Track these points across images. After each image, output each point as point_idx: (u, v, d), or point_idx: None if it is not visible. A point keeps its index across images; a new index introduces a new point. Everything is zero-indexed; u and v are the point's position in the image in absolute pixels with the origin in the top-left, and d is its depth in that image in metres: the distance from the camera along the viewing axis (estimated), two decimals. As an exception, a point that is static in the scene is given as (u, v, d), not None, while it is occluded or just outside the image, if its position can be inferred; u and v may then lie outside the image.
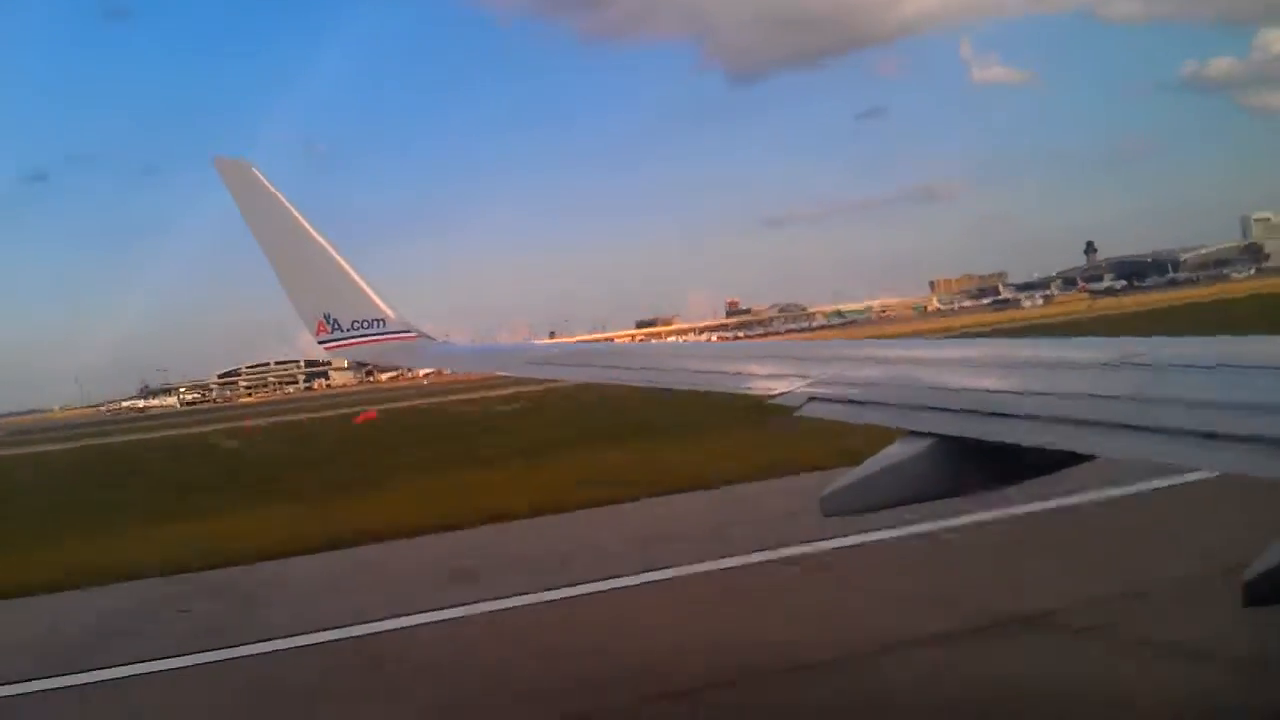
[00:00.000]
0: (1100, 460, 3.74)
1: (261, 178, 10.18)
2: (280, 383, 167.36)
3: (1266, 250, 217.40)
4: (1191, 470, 3.55)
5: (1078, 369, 4.70)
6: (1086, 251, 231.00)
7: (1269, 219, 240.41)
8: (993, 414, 4.18)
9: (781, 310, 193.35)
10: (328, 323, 10.49)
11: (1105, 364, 4.46)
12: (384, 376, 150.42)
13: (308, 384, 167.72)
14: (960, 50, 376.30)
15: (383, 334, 10.63)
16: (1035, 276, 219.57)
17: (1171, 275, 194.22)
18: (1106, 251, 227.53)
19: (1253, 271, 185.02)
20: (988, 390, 4.55)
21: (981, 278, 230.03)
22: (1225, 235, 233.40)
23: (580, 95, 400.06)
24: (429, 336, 10.80)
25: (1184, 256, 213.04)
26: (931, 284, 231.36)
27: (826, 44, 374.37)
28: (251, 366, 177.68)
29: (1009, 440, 3.94)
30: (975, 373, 5.16)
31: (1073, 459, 3.94)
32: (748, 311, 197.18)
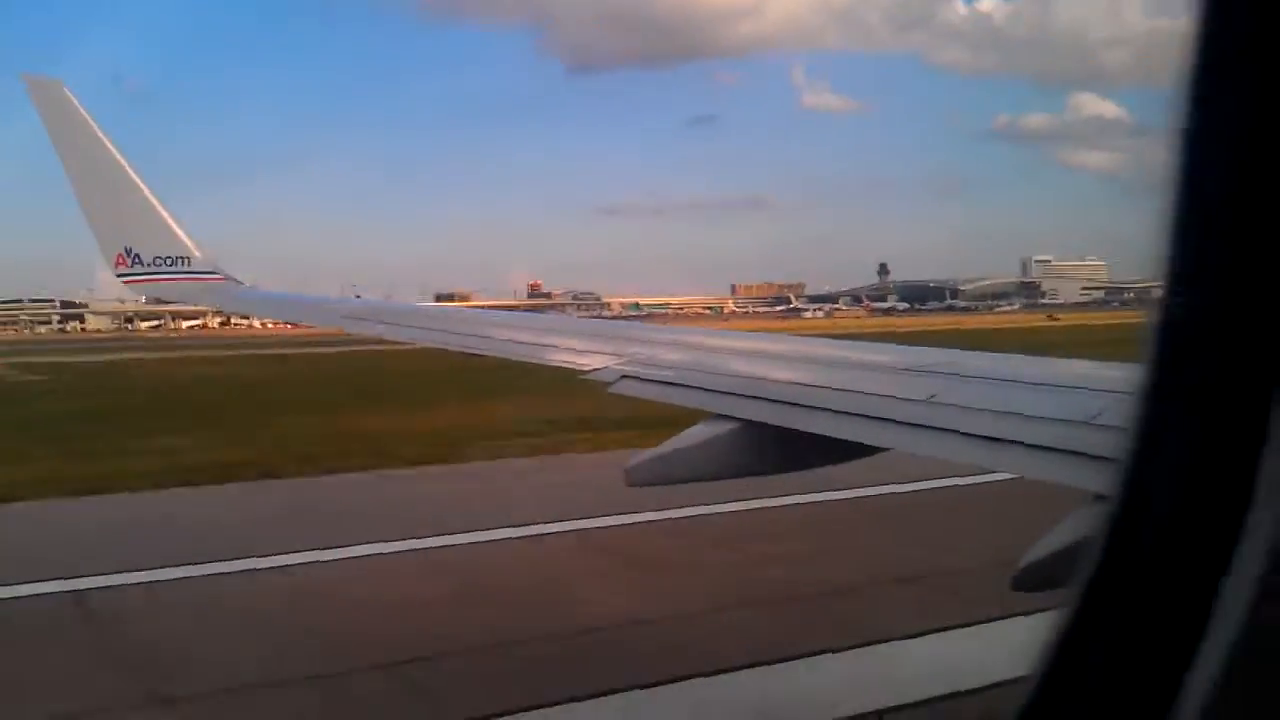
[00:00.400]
0: (896, 454, 3.99)
1: (74, 100, 9.64)
2: (33, 322, 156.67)
3: (1043, 288, 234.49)
4: (984, 470, 3.80)
5: (880, 371, 4.99)
6: (879, 273, 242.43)
7: (1049, 261, 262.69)
8: (797, 404, 4.39)
9: (576, 297, 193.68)
10: (128, 256, 10.00)
11: (906, 368, 4.74)
12: (144, 325, 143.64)
13: (60, 325, 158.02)
14: (793, 74, 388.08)
15: (187, 273, 10.20)
16: (826, 290, 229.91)
17: (950, 301, 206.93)
18: (905, 275, 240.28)
19: (1017, 306, 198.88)
20: (794, 382, 4.76)
21: (781, 286, 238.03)
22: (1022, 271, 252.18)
23: (417, 67, 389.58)
24: (237, 280, 10.43)
25: (964, 286, 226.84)
26: (733, 287, 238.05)
27: (663, 49, 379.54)
28: (3, 303, 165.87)
29: (813, 430, 4.15)
30: (782, 365, 5.41)
31: (867, 450, 4.21)
32: (547, 295, 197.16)
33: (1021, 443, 3.48)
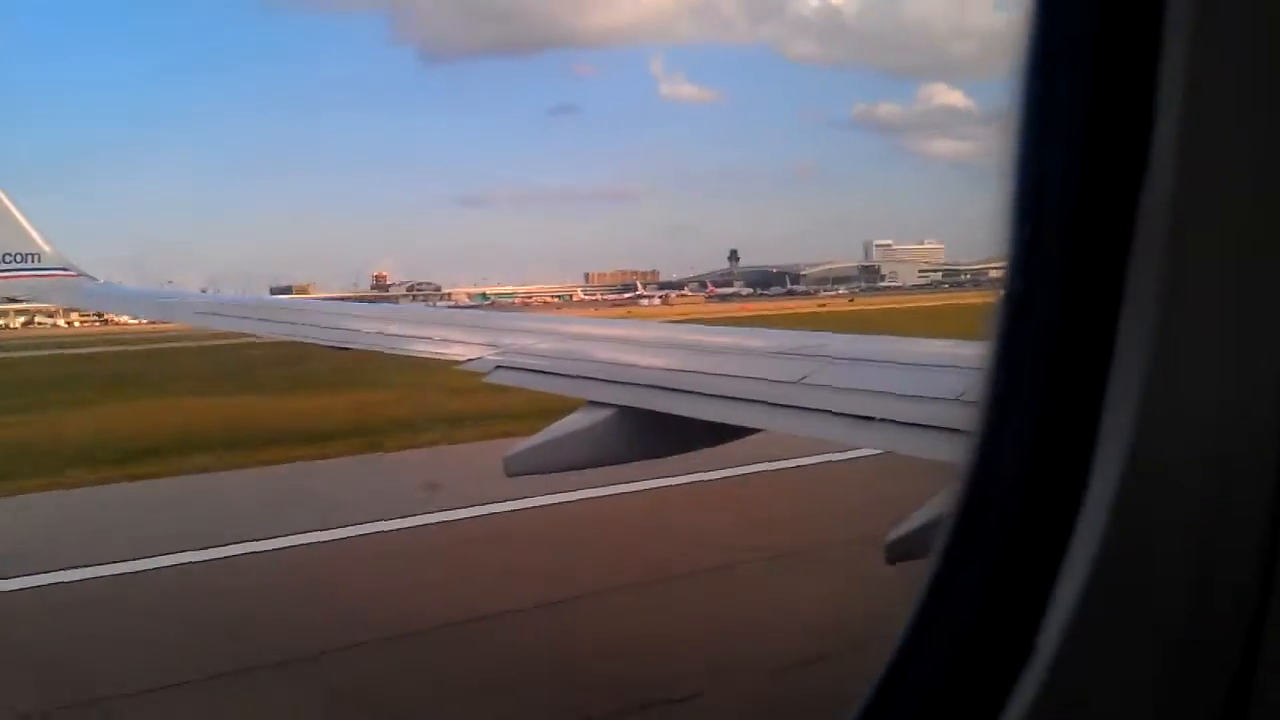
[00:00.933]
0: (767, 434, 4.08)
1: None
2: None
3: (882, 271, 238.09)
4: (853, 447, 3.92)
5: (752, 354, 5.09)
6: (730, 259, 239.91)
7: (890, 245, 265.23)
8: (672, 389, 4.45)
9: (411, 288, 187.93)
10: (-26, 254, 9.54)
11: (778, 352, 4.84)
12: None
13: None
14: (650, 64, 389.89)
15: (37, 270, 9.76)
16: (674, 276, 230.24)
17: (789, 287, 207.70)
18: (766, 260, 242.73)
19: (854, 291, 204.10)
20: (667, 368, 4.80)
21: (634, 274, 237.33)
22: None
23: (265, 55, 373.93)
24: (90, 276, 10.02)
25: (805, 270, 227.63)
26: (585, 275, 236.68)
27: (517, 39, 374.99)
28: None
29: (687, 414, 4.21)
30: (654, 351, 5.45)
31: (742, 432, 4.29)
32: (387, 287, 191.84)
33: (892, 420, 3.58)
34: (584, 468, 4.61)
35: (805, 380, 4.10)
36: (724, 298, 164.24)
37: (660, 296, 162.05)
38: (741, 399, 4.17)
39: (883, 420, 3.60)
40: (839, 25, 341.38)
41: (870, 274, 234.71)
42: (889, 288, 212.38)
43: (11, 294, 9.82)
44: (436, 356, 6.02)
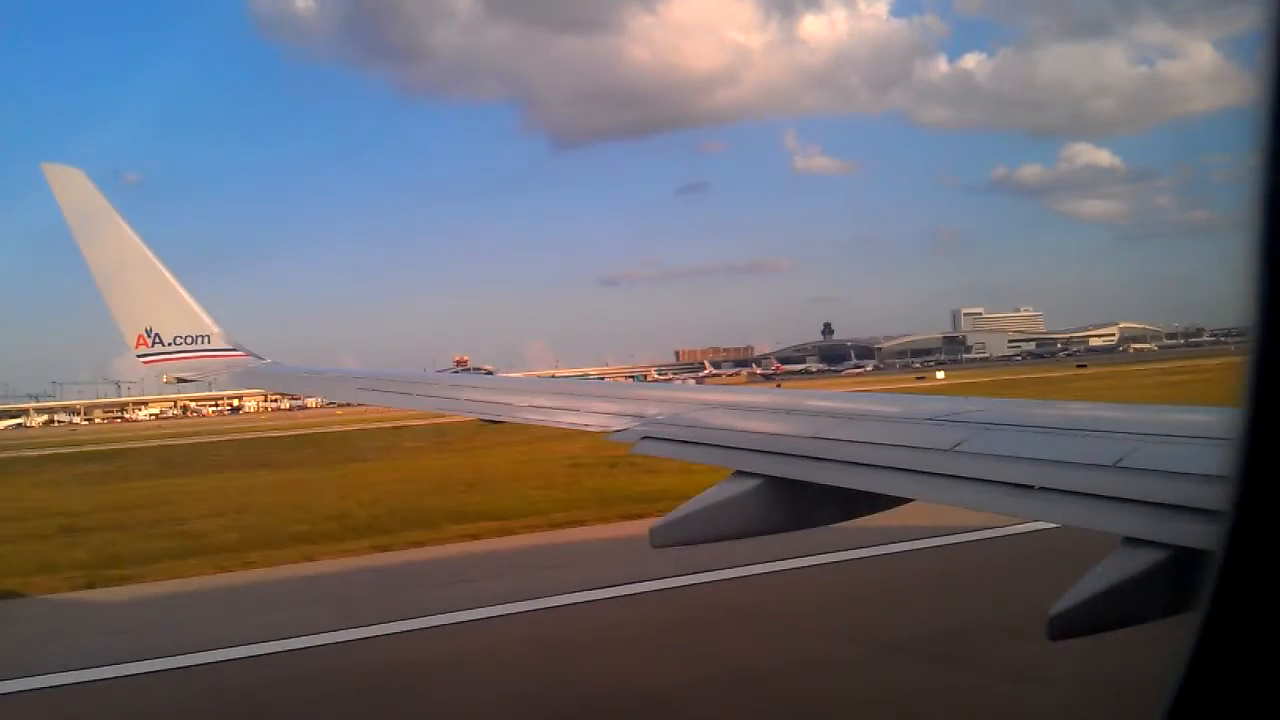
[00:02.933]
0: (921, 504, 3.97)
1: (92, 186, 9.85)
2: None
3: (968, 343, 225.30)
4: (1016, 519, 3.79)
5: (898, 421, 4.98)
6: (823, 332, 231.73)
7: (980, 313, 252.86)
8: (821, 459, 4.37)
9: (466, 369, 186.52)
10: (148, 336, 10.12)
11: (927, 418, 4.72)
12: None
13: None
14: (783, 138, 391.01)
15: (207, 351, 10.31)
16: (762, 352, 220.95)
17: (856, 361, 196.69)
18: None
19: (929, 366, 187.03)
20: (812, 436, 4.74)
21: (729, 350, 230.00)
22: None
23: (402, 145, 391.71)
24: (258, 356, 10.51)
25: (884, 343, 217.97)
26: (676, 353, 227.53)
27: (644, 121, 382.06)
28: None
29: (838, 484, 4.14)
30: (798, 420, 5.38)
31: (893, 501, 4.18)
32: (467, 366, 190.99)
33: (1055, 489, 3.45)
34: (731, 539, 4.55)
35: (959, 448, 3.99)
36: (782, 376, 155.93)
37: (695, 377, 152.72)
38: (894, 468, 4.07)
39: (1044, 489, 3.46)
40: (970, 89, 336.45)
41: (955, 346, 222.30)
42: (975, 359, 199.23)
43: (183, 374, 10.36)
44: (583, 428, 6.09)
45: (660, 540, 4.47)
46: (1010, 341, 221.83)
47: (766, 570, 13.23)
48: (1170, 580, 2.91)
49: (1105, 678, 6.81)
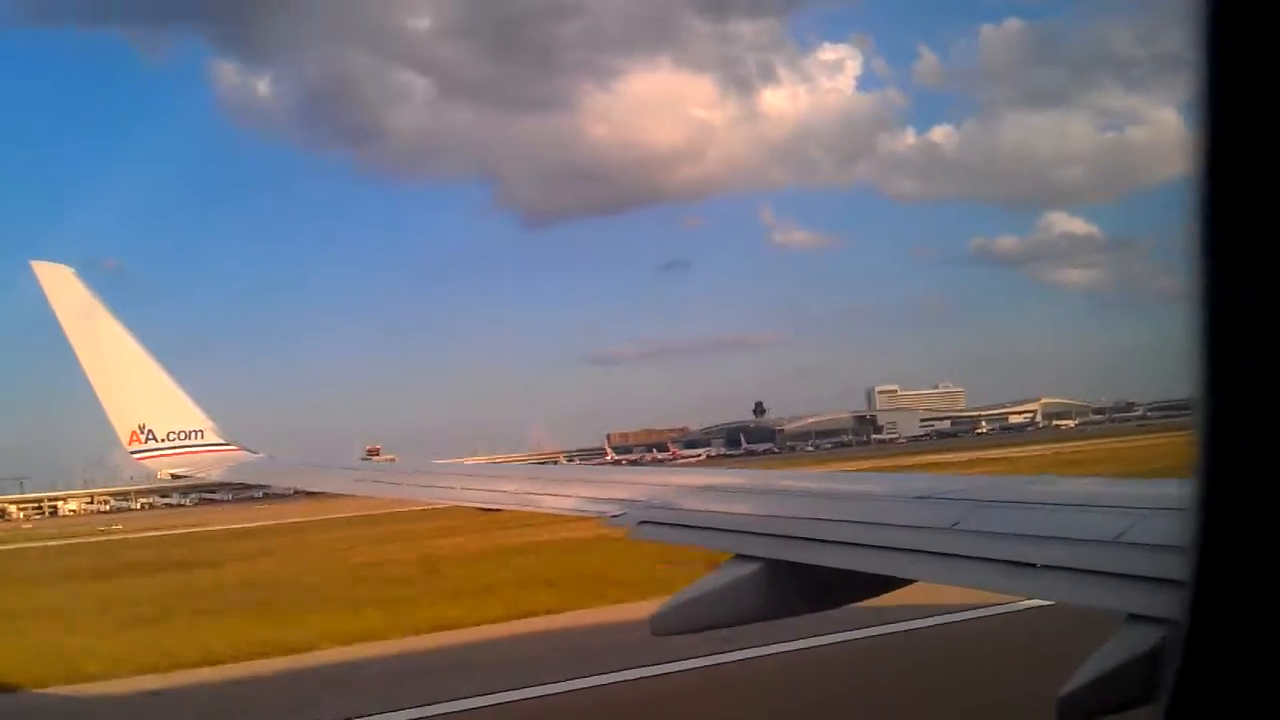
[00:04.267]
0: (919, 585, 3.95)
1: (81, 283, 9.91)
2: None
3: (879, 423, 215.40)
4: (1010, 597, 3.77)
5: (895, 501, 4.97)
6: (755, 412, 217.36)
7: (895, 390, 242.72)
8: (821, 540, 4.36)
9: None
10: (141, 433, 10.11)
11: (920, 496, 4.72)
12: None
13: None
14: (760, 213, 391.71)
15: (201, 446, 10.29)
16: (693, 432, 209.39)
17: (748, 446, 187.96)
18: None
19: (832, 447, 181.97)
20: (813, 518, 4.72)
21: (662, 433, 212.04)
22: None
23: (371, 226, 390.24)
24: (251, 450, 10.49)
25: (788, 425, 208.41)
26: (607, 436, 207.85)
27: (611, 198, 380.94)
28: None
29: (840, 566, 4.12)
30: (797, 501, 5.37)
31: (895, 583, 4.16)
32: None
33: (1052, 566, 3.44)
34: (731, 625, 4.51)
35: (958, 526, 3.99)
36: (674, 461, 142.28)
37: (594, 462, 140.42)
38: (896, 548, 4.06)
39: (1047, 566, 3.46)
40: (936, 160, 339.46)
41: (865, 426, 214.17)
42: (885, 440, 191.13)
43: (176, 470, 10.32)
44: (579, 513, 6.08)
45: (660, 628, 4.43)
46: (922, 421, 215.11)
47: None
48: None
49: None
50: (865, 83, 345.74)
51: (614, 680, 12.95)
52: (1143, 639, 2.95)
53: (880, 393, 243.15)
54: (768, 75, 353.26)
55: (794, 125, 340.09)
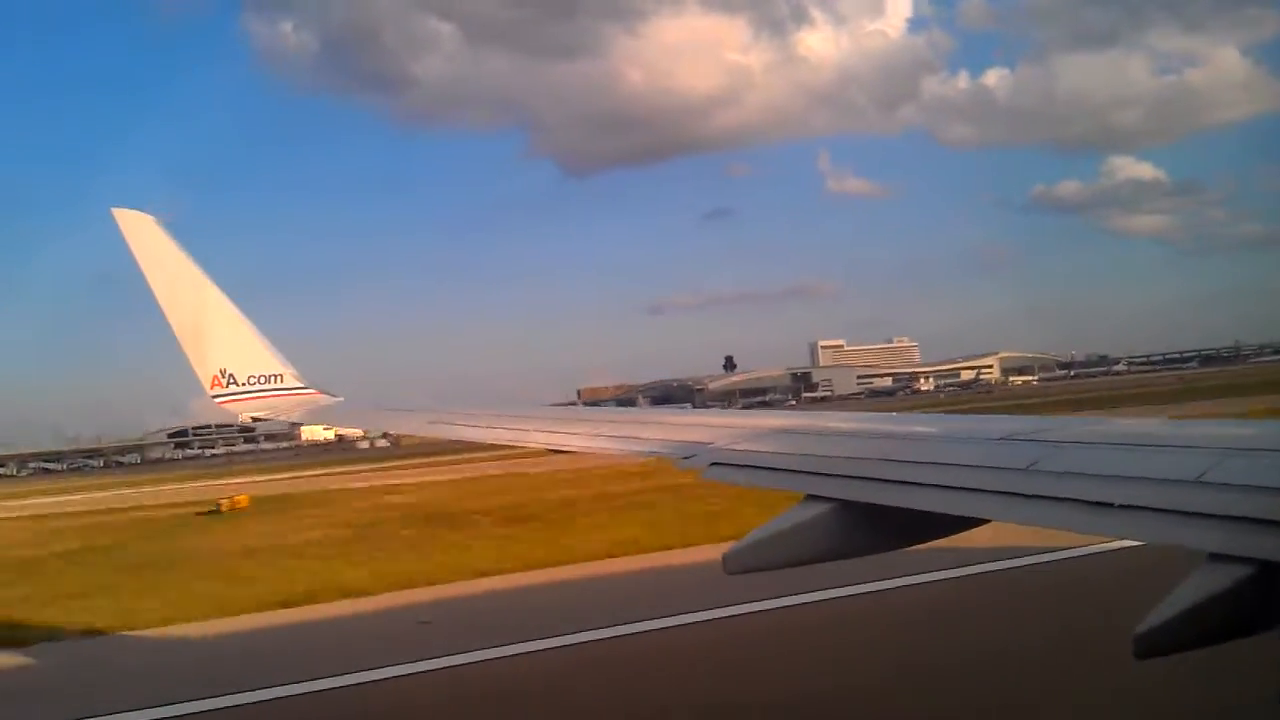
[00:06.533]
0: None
1: (163, 230, 10.04)
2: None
3: (814, 380, 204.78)
4: (1094, 536, 3.73)
5: (969, 442, 4.93)
6: (725, 367, 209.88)
7: (840, 345, 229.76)
8: (894, 481, 4.35)
9: None
10: (223, 378, 10.32)
11: (999, 438, 4.68)
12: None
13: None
14: (811, 161, 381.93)
15: (281, 390, 10.50)
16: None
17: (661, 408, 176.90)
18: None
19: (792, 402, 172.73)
20: (882, 458, 4.71)
21: (630, 387, 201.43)
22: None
23: (408, 174, 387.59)
24: (330, 394, 10.68)
25: (711, 384, 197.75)
26: (579, 391, 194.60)
27: (651, 147, 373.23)
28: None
29: (914, 506, 4.11)
30: (867, 442, 5.36)
31: (969, 523, 4.15)
32: None
33: (1131, 506, 3.41)
34: (804, 564, 4.53)
35: (1035, 466, 3.95)
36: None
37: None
38: (969, 488, 4.03)
39: (1124, 506, 3.42)
40: (989, 104, 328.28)
41: (800, 384, 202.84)
42: (816, 400, 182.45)
43: (257, 413, 10.55)
44: (654, 456, 6.12)
45: (734, 567, 4.47)
46: (860, 378, 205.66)
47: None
48: (1258, 596, 2.86)
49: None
50: (908, 24, 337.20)
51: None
52: (1223, 578, 2.92)
53: (824, 348, 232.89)
54: (802, 17, 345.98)
55: (834, 69, 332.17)
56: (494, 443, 8.30)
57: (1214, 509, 3.15)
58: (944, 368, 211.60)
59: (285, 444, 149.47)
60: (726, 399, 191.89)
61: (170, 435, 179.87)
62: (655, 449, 6.13)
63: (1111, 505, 3.48)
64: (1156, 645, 2.95)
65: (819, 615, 13.16)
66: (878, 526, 4.34)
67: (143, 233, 10.02)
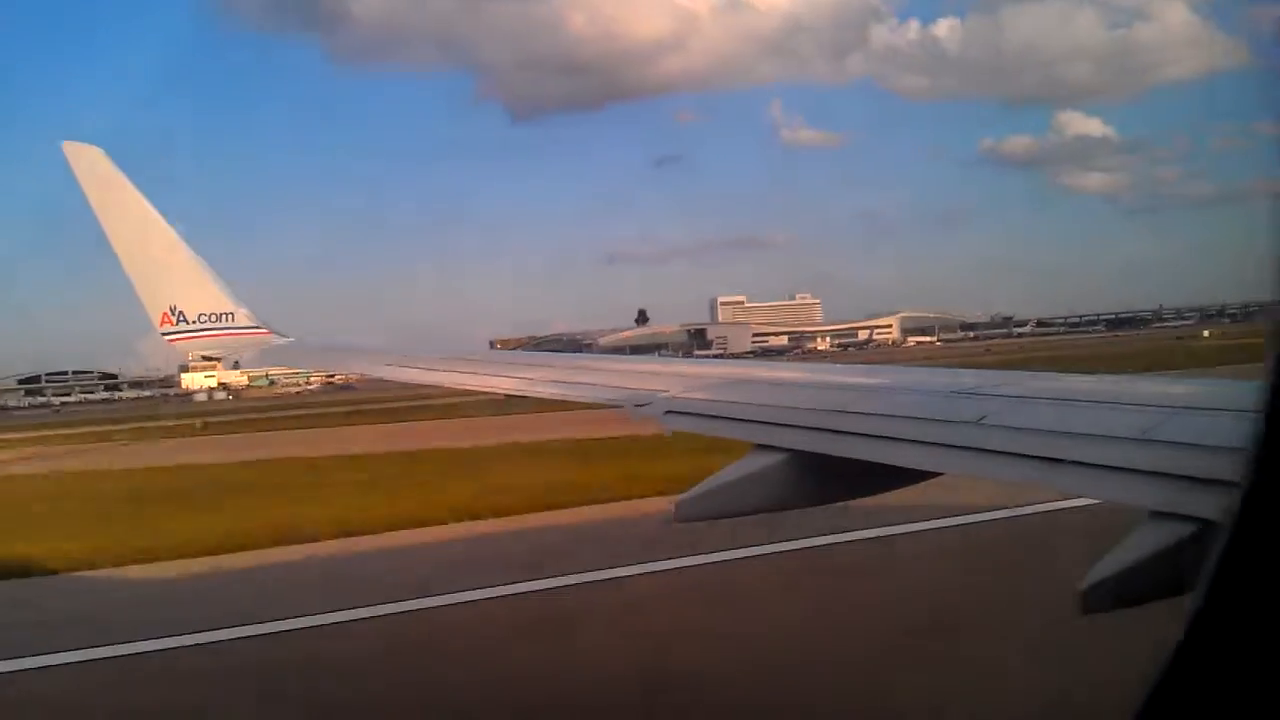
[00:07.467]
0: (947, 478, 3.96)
1: (113, 166, 9.81)
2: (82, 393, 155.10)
3: (709, 337, 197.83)
4: (1039, 496, 3.76)
5: (920, 394, 4.95)
6: (637, 320, 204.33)
7: (741, 302, 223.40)
8: (845, 433, 4.36)
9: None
10: (173, 315, 10.16)
11: (950, 391, 4.70)
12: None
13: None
14: (762, 108, 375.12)
15: (232, 329, 10.36)
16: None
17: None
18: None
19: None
20: (838, 410, 4.71)
21: (539, 339, 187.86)
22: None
23: (351, 114, 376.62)
24: (281, 334, 10.56)
25: (600, 339, 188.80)
26: (490, 342, 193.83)
27: (596, 90, 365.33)
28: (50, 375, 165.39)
29: (865, 458, 4.12)
30: (821, 392, 5.36)
31: (917, 476, 4.17)
32: None
33: (1078, 462, 3.44)
34: (753, 514, 4.55)
35: (985, 420, 3.97)
36: None
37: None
38: (920, 441, 4.05)
39: (1072, 462, 3.45)
40: (938, 55, 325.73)
41: (693, 341, 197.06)
42: (709, 358, 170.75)
43: (208, 352, 10.43)
44: (609, 403, 6.10)
45: (684, 515, 4.48)
46: (755, 336, 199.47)
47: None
48: (1199, 553, 2.90)
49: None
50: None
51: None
52: (1166, 535, 2.95)
53: (724, 304, 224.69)
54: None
55: (782, 16, 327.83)
56: (448, 385, 8.25)
57: (1158, 467, 3.19)
58: (842, 327, 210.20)
59: (149, 393, 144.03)
60: (615, 354, 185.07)
61: (20, 382, 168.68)
62: (611, 396, 6.12)
63: (1060, 461, 3.51)
64: (1100, 601, 2.99)
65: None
66: (829, 478, 4.36)
67: (92, 166, 9.79)
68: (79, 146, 9.82)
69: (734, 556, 13.09)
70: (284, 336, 10.59)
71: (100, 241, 9.78)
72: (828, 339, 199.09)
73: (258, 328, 10.44)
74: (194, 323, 10.24)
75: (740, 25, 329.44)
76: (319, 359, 11.50)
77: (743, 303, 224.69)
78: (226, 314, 10.31)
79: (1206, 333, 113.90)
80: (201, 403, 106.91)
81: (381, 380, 9.03)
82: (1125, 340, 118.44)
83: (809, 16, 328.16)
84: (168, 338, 10.24)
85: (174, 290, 10.17)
